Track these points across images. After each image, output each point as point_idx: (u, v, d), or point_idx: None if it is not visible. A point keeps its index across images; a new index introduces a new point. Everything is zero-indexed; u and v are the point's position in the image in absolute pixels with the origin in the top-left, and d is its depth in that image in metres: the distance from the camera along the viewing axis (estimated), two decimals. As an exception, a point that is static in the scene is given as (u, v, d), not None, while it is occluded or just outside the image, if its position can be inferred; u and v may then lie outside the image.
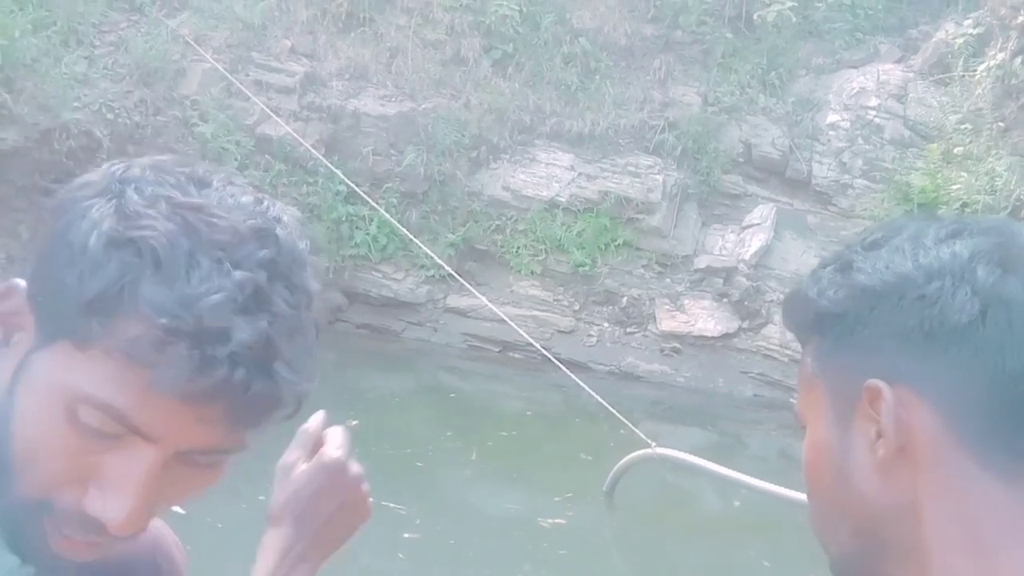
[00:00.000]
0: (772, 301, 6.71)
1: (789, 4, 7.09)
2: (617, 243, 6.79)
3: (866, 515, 0.78)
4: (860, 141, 7.10)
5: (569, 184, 6.90)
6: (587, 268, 6.75)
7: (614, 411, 4.27)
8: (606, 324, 6.80)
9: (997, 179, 6.33)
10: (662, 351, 6.73)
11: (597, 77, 7.25)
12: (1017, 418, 0.75)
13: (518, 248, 6.74)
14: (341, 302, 6.67)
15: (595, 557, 3.34)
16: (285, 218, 0.80)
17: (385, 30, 7.02)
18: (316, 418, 1.04)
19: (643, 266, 6.92)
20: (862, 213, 6.85)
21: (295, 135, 6.09)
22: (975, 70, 6.72)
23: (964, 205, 6.23)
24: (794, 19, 7.18)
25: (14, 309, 0.77)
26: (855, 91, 7.19)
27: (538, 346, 5.03)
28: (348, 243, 6.47)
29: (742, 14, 7.37)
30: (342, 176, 6.11)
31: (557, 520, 3.72)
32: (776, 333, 6.58)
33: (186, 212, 0.74)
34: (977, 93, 6.71)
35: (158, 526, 1.14)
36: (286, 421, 0.81)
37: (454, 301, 6.64)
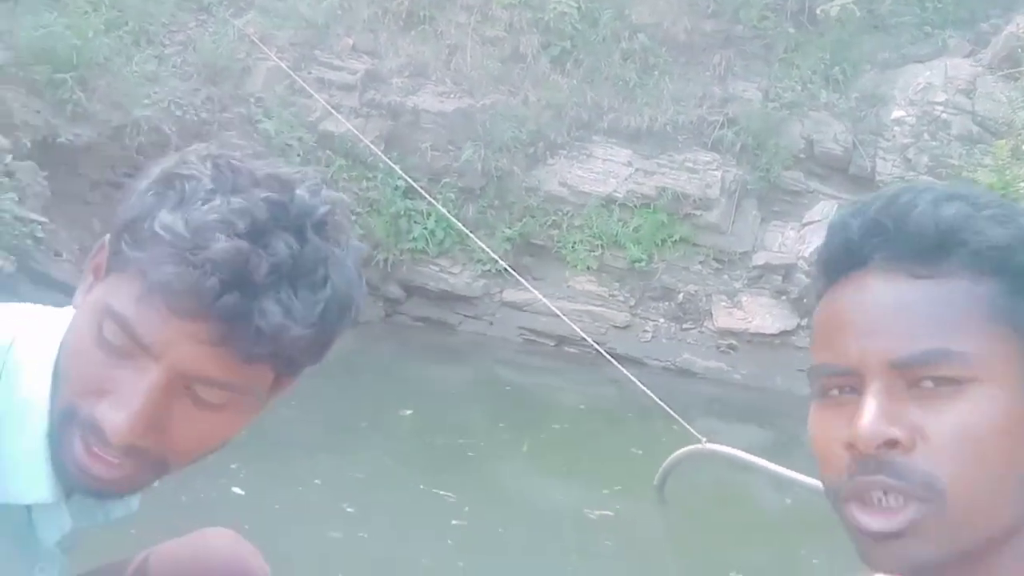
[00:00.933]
0: (832, 299, 6.60)
1: (853, -2, 6.97)
2: (674, 239, 6.76)
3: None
4: (926, 137, 6.94)
5: (626, 180, 6.89)
6: (643, 264, 6.73)
7: (665, 406, 4.27)
8: (662, 320, 6.78)
9: (1069, 176, 6.14)
10: (718, 348, 6.69)
11: (656, 73, 7.23)
12: None
13: (574, 243, 6.76)
14: (399, 295, 6.77)
15: (641, 549, 3.36)
16: (313, 185, 0.87)
17: (445, 28, 7.10)
18: None
19: (700, 262, 6.88)
20: (927, 210, 6.69)
21: (355, 131, 6.21)
22: (1048, 64, 6.53)
23: (1034, 202, 6.06)
24: (858, 13, 7.05)
25: (101, 262, 0.88)
26: (921, 86, 7.03)
27: (590, 340, 5.05)
28: (406, 237, 6.56)
29: (805, 8, 7.27)
30: (400, 172, 6.21)
31: (605, 512, 3.74)
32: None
33: (221, 161, 0.85)
34: (1049, 87, 6.52)
35: (248, 560, 1.18)
36: (292, 372, 0.87)
37: (510, 295, 6.69)
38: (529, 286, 5.93)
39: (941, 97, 6.95)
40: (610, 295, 6.78)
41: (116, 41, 6.16)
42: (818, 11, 7.15)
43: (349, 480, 3.95)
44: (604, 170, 6.91)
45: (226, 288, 0.78)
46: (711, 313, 6.75)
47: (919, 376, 0.71)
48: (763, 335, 6.64)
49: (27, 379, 0.87)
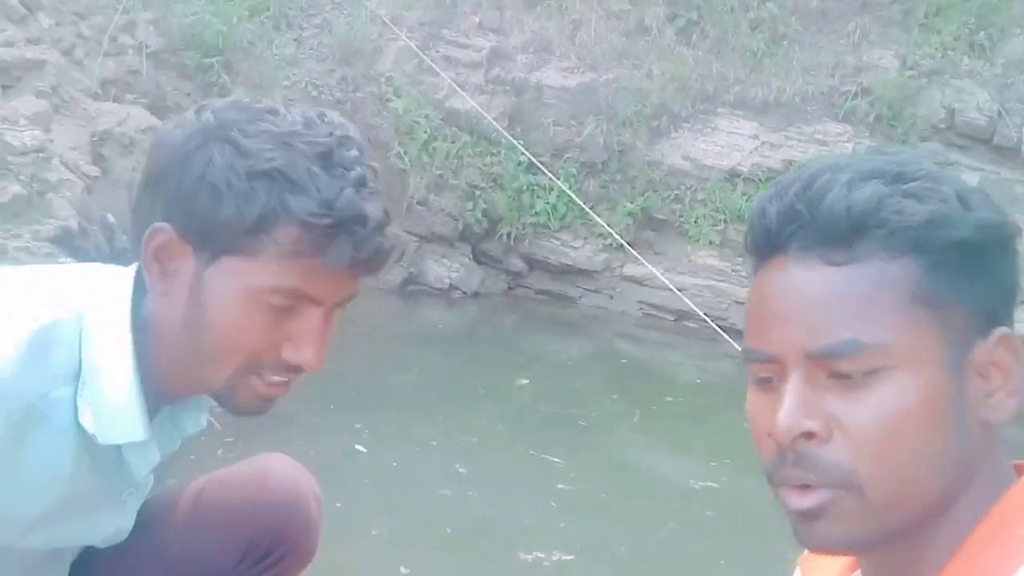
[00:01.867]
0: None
1: (1003, -43, 6.57)
2: (800, 214, 6.61)
3: (961, 476, 0.71)
4: (1081, 104, 6.50)
5: (751, 153, 6.78)
6: (768, 239, 6.62)
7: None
8: (786, 296, 6.66)
9: None
10: (844, 325, 6.51)
11: (785, 43, 7.04)
12: None
13: (696, 218, 6.71)
14: (521, 268, 6.92)
15: (741, 520, 3.38)
16: (342, 120, 1.07)
17: (569, 3, 7.14)
18: None
19: (827, 237, 6.69)
20: (1079, 183, 6.29)
21: (479, 108, 6.37)
22: None
23: None
24: (1008, -27, 6.64)
25: (164, 243, 1.02)
26: (1078, 49, 6.57)
27: (702, 315, 5.04)
28: (529, 211, 6.69)
29: (948, -30, 6.91)
30: (522, 148, 6.33)
31: (709, 483, 3.77)
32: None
33: (287, 139, 1.00)
34: None
35: (298, 478, 1.38)
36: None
37: (631, 270, 6.72)
38: (645, 262, 5.95)
39: (1100, 61, 6.48)
40: (732, 270, 6.70)
41: (258, 26, 6.54)
42: (963, -27, 6.79)
43: (463, 443, 4.13)
44: (728, 143, 6.81)
45: (384, 241, 1.02)
46: (838, 289, 6.56)
47: (834, 367, 0.71)
48: (894, 313, 6.41)
49: (104, 339, 1.03)
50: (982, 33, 6.81)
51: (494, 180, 6.63)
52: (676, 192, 6.77)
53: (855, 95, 6.81)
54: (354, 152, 1.02)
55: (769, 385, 0.76)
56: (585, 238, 6.78)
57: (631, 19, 7.09)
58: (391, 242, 1.04)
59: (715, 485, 3.74)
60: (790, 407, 0.72)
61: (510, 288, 6.95)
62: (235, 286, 1.00)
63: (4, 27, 5.14)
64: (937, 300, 0.70)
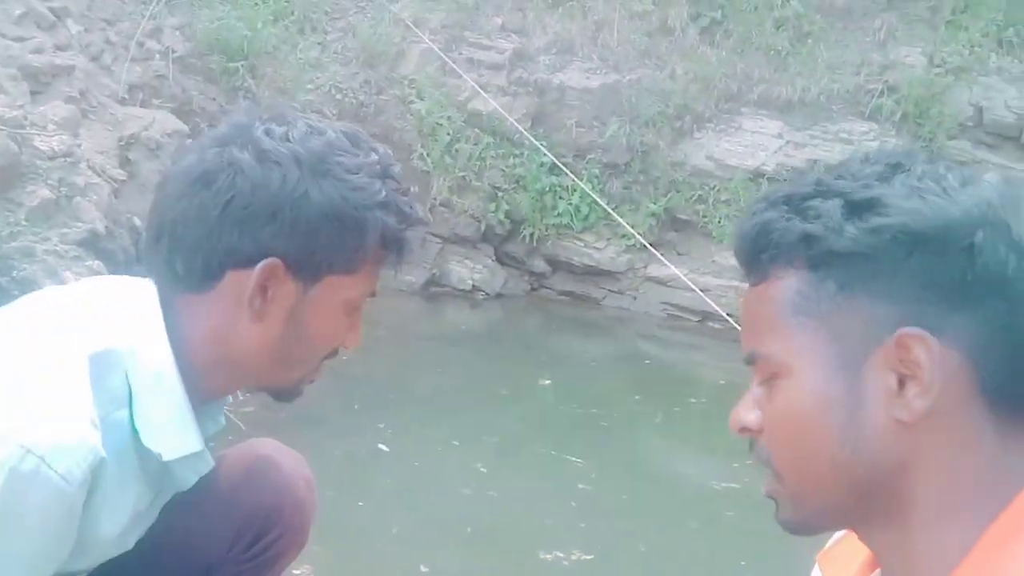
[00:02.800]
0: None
1: (1031, -48, 6.48)
2: (826, 213, 6.55)
3: (865, 467, 0.75)
4: (1113, 100, 6.39)
5: (776, 152, 6.73)
6: (792, 239, 6.57)
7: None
8: (811, 296, 6.60)
9: None
10: (871, 326, 6.45)
11: (810, 41, 6.99)
12: None
13: (720, 219, 6.68)
14: (545, 270, 6.92)
15: (762, 521, 3.35)
16: (359, 129, 1.21)
17: (592, 3, 7.14)
18: None
19: (854, 237, 6.63)
20: (1112, 180, 6.18)
21: (501, 110, 6.38)
22: None
23: None
24: (1037, -32, 6.55)
25: (273, 273, 1.11)
26: (1110, 44, 6.47)
27: (726, 315, 5.02)
28: (551, 213, 6.69)
29: (976, -34, 6.82)
30: (544, 149, 6.34)
31: (731, 484, 3.75)
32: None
33: (374, 169, 1.14)
34: None
35: (286, 461, 1.40)
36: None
37: (654, 270, 6.70)
38: (667, 262, 5.92)
39: None
40: (757, 270, 6.66)
41: (283, 30, 6.60)
42: (991, -32, 6.70)
43: (485, 443, 4.14)
44: (753, 143, 6.77)
45: (414, 238, 1.19)
46: (865, 289, 6.50)
47: (755, 373, 0.82)
48: (921, 313, 6.34)
49: (149, 361, 1.08)
50: (1011, 30, 6.73)
51: (517, 181, 6.64)
52: (700, 192, 6.74)
53: (881, 93, 6.75)
54: (394, 163, 1.18)
55: None
56: (608, 239, 6.77)
57: (654, 19, 7.08)
58: None
59: (736, 486, 3.72)
60: (738, 405, 0.85)
61: (533, 289, 6.96)
62: (336, 300, 1.13)
63: (33, 34, 5.23)
64: (819, 310, 0.76)
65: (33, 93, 4.77)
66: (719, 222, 6.69)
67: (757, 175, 6.68)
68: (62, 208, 4.08)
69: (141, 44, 6.03)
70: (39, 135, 4.21)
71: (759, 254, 0.79)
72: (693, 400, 5.20)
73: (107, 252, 4.09)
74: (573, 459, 3.94)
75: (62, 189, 4.12)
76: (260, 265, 1.08)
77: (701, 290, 5.91)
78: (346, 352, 1.21)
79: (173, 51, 6.12)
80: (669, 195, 6.74)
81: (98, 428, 1.00)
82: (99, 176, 4.50)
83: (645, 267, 6.76)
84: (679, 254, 6.73)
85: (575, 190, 6.62)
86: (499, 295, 6.70)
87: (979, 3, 6.89)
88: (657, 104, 6.75)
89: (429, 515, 3.40)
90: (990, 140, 6.71)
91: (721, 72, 6.88)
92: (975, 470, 0.74)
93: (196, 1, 6.40)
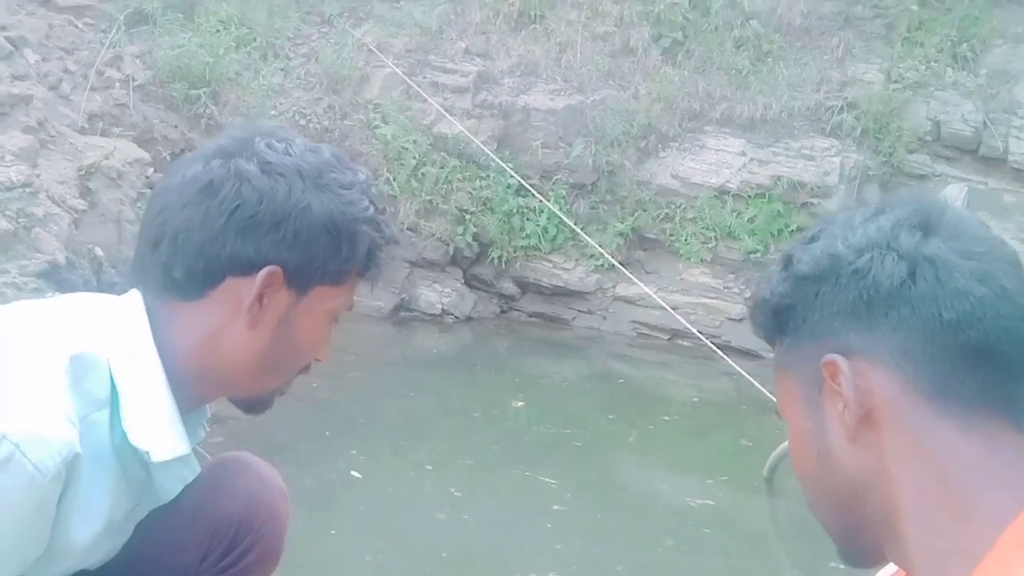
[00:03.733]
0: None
1: (982, -31, 6.64)
2: (791, 229, 6.62)
3: (848, 487, 0.83)
4: (1065, 112, 6.53)
5: (740, 170, 6.80)
6: (759, 255, 6.62)
7: (774, 397, 4.22)
8: (779, 312, 6.65)
9: None
10: (839, 339, 6.50)
11: (770, 59, 7.09)
12: (963, 366, 0.79)
13: (687, 236, 6.72)
14: (514, 292, 6.91)
15: (739, 538, 3.35)
16: (342, 152, 1.24)
17: (555, 26, 7.19)
18: None
19: (819, 252, 6.70)
20: (1066, 191, 6.31)
21: (467, 133, 6.39)
22: None
23: None
24: (988, -15, 6.71)
25: (272, 281, 1.13)
26: (1060, 58, 6.62)
27: (696, 332, 5.04)
28: (519, 234, 6.69)
29: (929, -16, 6.97)
30: (511, 171, 6.35)
31: (707, 501, 3.74)
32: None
33: (364, 187, 1.19)
34: None
35: (258, 472, 1.38)
36: None
37: (623, 290, 6.72)
38: (637, 281, 5.94)
39: (1082, 69, 6.53)
40: (725, 287, 6.70)
41: (245, 57, 6.56)
42: (943, -14, 6.85)
43: (458, 466, 4.11)
44: (717, 161, 6.84)
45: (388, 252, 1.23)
46: (831, 303, 6.55)
47: None
48: (887, 325, 6.40)
49: (136, 365, 1.08)
50: (964, 45, 6.87)
51: (484, 204, 6.64)
52: (666, 211, 6.79)
53: (841, 109, 6.85)
54: (376, 183, 1.25)
55: None
56: (577, 259, 6.78)
57: (616, 40, 7.14)
58: None
59: (712, 503, 3.72)
60: None
61: (503, 312, 6.94)
62: (322, 310, 1.17)
63: (-10, 64, 5.15)
64: (786, 362, 0.87)
65: (-10, 123, 4.69)
66: (686, 240, 6.73)
67: (722, 192, 6.74)
68: (21, 239, 4.00)
69: (101, 73, 5.97)
70: (-4, 166, 4.14)
71: (771, 318, 0.92)
72: (666, 418, 5.20)
73: (68, 283, 4.02)
74: (547, 480, 3.92)
75: (20, 220, 4.05)
76: (262, 272, 1.11)
77: (671, 308, 5.92)
78: (315, 378, 1.21)
79: (134, 79, 6.06)
80: (636, 214, 6.77)
81: (76, 426, 1.00)
82: (59, 206, 4.43)
83: (614, 287, 6.78)
84: (647, 272, 6.75)
85: (542, 211, 6.63)
86: (469, 318, 6.67)
87: (933, 20, 7.04)
88: (621, 124, 6.80)
89: (404, 541, 3.36)
90: (949, 153, 6.83)
91: (684, 92, 6.95)
92: (947, 472, 0.77)
93: (157, 28, 6.36)
